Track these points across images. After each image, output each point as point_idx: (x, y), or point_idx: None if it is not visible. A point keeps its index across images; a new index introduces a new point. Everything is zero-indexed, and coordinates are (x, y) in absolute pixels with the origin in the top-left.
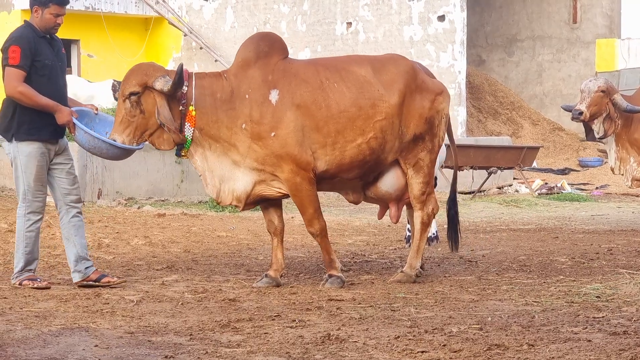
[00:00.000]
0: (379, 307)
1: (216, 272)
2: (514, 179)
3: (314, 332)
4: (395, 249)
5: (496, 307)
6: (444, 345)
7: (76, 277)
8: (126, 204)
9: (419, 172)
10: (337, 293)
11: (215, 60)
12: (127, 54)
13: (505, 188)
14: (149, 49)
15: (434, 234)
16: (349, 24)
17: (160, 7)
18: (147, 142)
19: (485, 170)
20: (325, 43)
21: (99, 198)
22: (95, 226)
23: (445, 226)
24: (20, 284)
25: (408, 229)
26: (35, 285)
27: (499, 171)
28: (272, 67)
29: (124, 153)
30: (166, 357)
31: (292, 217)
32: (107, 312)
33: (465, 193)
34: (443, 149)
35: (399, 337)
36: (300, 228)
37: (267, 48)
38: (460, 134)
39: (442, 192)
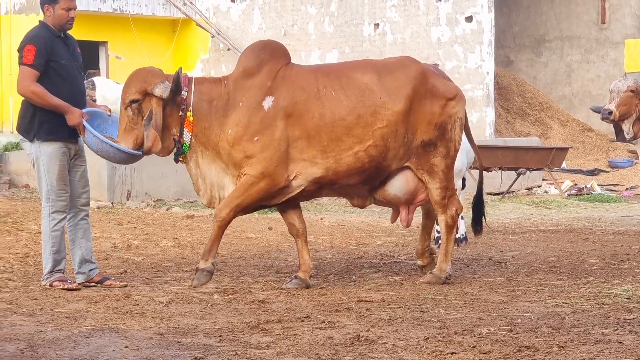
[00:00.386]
0: (409, 309)
1: (245, 274)
2: (543, 179)
3: (343, 333)
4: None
5: (526, 308)
6: (474, 347)
7: (80, 278)
8: (155, 205)
9: (435, 177)
10: (366, 294)
11: None
12: (155, 55)
13: (534, 189)
14: (177, 51)
15: (462, 235)
16: (377, 25)
17: (188, 8)
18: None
19: (514, 171)
20: (353, 44)
21: (128, 199)
22: (125, 227)
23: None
24: (50, 285)
25: (437, 230)
26: (65, 287)
27: (527, 172)
28: (273, 74)
29: (131, 158)
30: (196, 358)
31: (322, 219)
32: (137, 313)
33: (494, 194)
34: (471, 150)
35: (428, 338)
36: (329, 229)
37: (268, 56)
38: (488, 135)
39: (470, 193)
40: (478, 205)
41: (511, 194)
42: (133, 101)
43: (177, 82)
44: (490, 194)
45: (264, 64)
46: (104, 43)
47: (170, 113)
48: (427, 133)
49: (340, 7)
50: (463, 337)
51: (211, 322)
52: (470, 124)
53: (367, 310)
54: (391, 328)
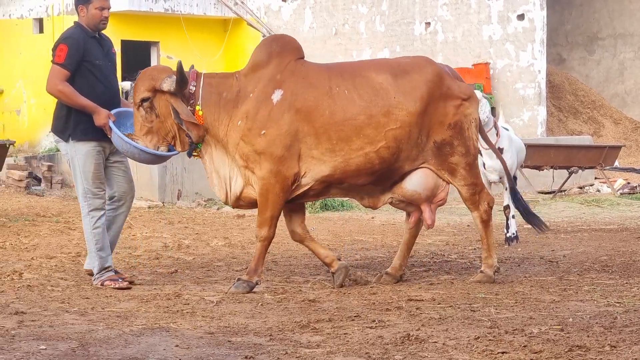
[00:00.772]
0: (459, 308)
1: (296, 273)
2: (596, 178)
3: (393, 332)
4: (474, 248)
5: (577, 307)
6: (525, 346)
7: (87, 265)
8: (205, 204)
9: (457, 176)
10: (416, 293)
11: None
12: (206, 55)
13: (587, 188)
14: (228, 50)
15: (513, 233)
16: (428, 24)
17: (239, 8)
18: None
19: (566, 170)
20: (404, 43)
21: (178, 199)
22: (175, 227)
23: (526, 226)
24: (102, 285)
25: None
26: (117, 286)
27: (580, 171)
28: (282, 67)
29: (155, 159)
30: (246, 357)
31: (373, 218)
32: (187, 312)
33: (546, 193)
34: (523, 148)
35: (479, 337)
36: (380, 228)
37: (280, 48)
38: (540, 134)
39: (521, 192)
40: (526, 213)
41: (563, 193)
42: (143, 100)
43: (181, 72)
44: (542, 193)
45: (274, 57)
46: (156, 43)
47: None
48: (440, 134)
49: (392, 6)
50: (514, 337)
51: (261, 321)
52: (521, 122)
53: (417, 309)
54: (441, 327)
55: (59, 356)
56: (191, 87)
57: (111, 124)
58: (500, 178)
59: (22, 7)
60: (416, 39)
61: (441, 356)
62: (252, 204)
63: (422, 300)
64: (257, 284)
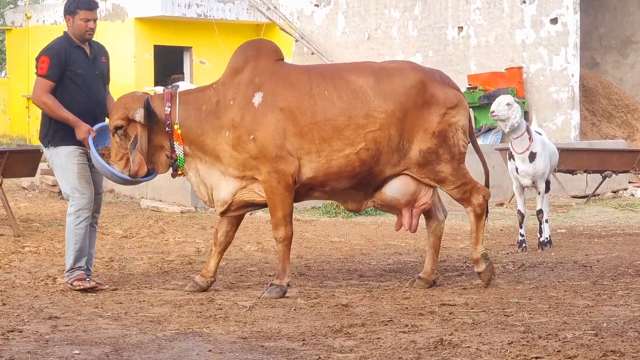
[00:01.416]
0: (492, 312)
1: (329, 278)
2: (629, 182)
3: (426, 337)
4: (507, 253)
5: (612, 312)
6: (559, 351)
7: (66, 277)
8: None
9: (446, 181)
10: (449, 298)
11: None
12: None
13: (620, 192)
14: None
15: (547, 238)
16: (460, 28)
17: (272, 13)
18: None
19: (599, 174)
20: (437, 48)
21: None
22: (208, 232)
23: (560, 230)
24: (71, 285)
25: (521, 233)
26: (83, 286)
27: (613, 175)
28: (259, 69)
29: (127, 181)
30: None
31: None
32: (220, 317)
33: (580, 197)
34: (556, 152)
35: (512, 342)
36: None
37: (255, 52)
38: (573, 138)
39: (554, 196)
40: None
41: (597, 197)
42: (117, 127)
43: (147, 107)
44: (576, 197)
45: (250, 61)
46: (189, 48)
47: (158, 132)
48: (424, 142)
49: (424, 10)
50: (547, 342)
51: (294, 326)
52: (555, 126)
53: (450, 314)
54: (475, 332)
55: None
56: (166, 109)
57: (90, 141)
58: (533, 183)
59: (56, 13)
60: (449, 43)
61: None
62: (242, 208)
63: (455, 304)
64: (288, 285)
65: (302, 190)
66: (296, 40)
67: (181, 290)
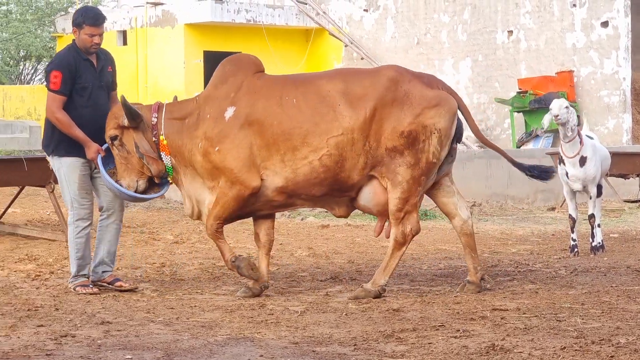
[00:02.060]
0: (544, 317)
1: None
2: None
3: (478, 342)
4: (559, 258)
5: None
6: (612, 357)
7: (92, 277)
8: (290, 215)
9: (396, 187)
10: (501, 303)
11: None
12: (288, 65)
13: None
14: (310, 60)
15: (599, 243)
16: (510, 32)
17: (321, 18)
18: (160, 192)
19: None
20: (486, 52)
21: None
22: None
23: (612, 235)
24: (74, 289)
25: (573, 238)
26: (84, 291)
27: None
28: (237, 85)
29: (136, 200)
30: None
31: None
32: (271, 322)
33: (632, 201)
34: (607, 156)
35: (565, 348)
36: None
37: (234, 67)
38: (625, 142)
39: (607, 200)
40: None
41: None
42: (112, 138)
43: (127, 106)
44: (628, 202)
45: (229, 77)
46: (237, 54)
47: (148, 139)
48: (392, 140)
49: (474, 14)
50: (601, 347)
51: (346, 331)
52: (606, 130)
53: (502, 319)
54: (527, 337)
55: None
56: (153, 119)
57: (99, 161)
58: (584, 187)
59: (106, 19)
60: (498, 47)
61: None
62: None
63: (507, 309)
64: (238, 265)
65: (280, 198)
66: (345, 45)
67: (232, 296)
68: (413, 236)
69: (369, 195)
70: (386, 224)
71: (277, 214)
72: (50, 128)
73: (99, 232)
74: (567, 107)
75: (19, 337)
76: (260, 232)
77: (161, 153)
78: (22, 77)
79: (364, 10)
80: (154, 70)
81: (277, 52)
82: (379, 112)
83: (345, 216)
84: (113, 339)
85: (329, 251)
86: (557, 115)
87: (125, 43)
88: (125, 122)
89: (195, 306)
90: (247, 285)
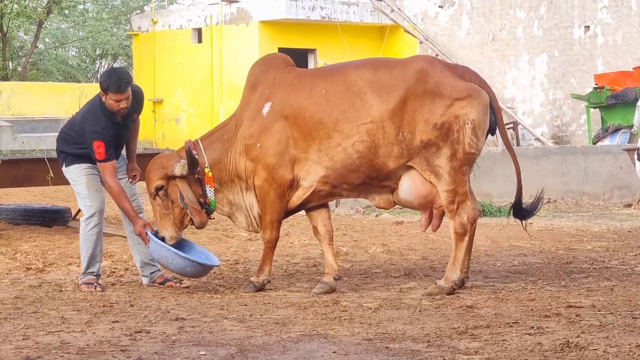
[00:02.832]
0: (620, 315)
1: None
2: None
3: (552, 339)
4: (636, 255)
5: None
6: None
7: (144, 281)
8: (364, 212)
9: (440, 179)
10: (576, 300)
11: None
12: None
13: None
14: (385, 56)
15: None
16: (587, 27)
17: (396, 15)
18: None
19: None
20: (563, 47)
21: (336, 206)
22: (334, 234)
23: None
24: (79, 286)
25: None
26: (88, 290)
27: None
28: (270, 81)
29: (193, 267)
30: None
31: (530, 224)
32: (345, 319)
33: None
34: None
35: None
36: (538, 234)
37: (265, 67)
38: None
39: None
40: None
41: None
42: (158, 189)
43: (191, 156)
44: None
45: (260, 76)
46: (313, 50)
47: (190, 183)
48: (425, 133)
49: (550, 9)
50: None
51: (419, 327)
52: None
53: (576, 316)
54: (602, 334)
55: None
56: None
57: (149, 234)
58: None
59: (182, 17)
60: (575, 42)
61: None
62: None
63: (582, 307)
64: (264, 283)
65: (325, 188)
66: (420, 42)
67: (306, 292)
68: (472, 224)
69: (408, 186)
70: (423, 218)
71: (352, 211)
72: (62, 141)
73: (129, 237)
74: None
75: (94, 333)
76: (318, 224)
77: (206, 187)
78: (98, 75)
79: (439, 6)
80: (228, 67)
81: (352, 49)
82: (410, 103)
83: (386, 208)
84: (187, 335)
85: (403, 248)
86: None
87: (200, 41)
88: (176, 171)
89: (269, 303)
90: (322, 280)
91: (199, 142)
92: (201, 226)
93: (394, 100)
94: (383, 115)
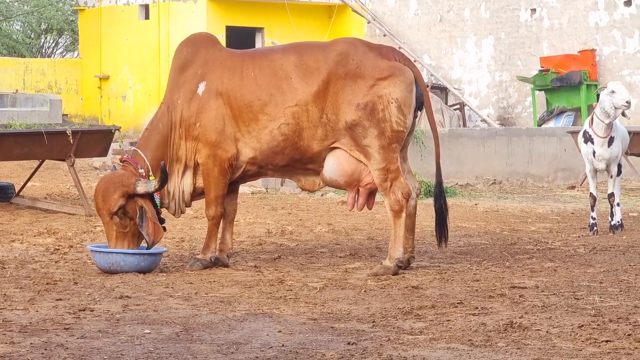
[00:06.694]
0: (563, 295)
1: None
2: None
3: (496, 319)
4: (579, 236)
5: None
6: (629, 335)
7: None
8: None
9: (370, 159)
10: (519, 281)
11: (399, 47)
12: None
13: None
14: (332, 36)
15: (618, 221)
16: (533, 10)
17: None
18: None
19: None
20: (509, 30)
21: (282, 185)
22: (279, 213)
23: (631, 214)
24: None
25: (592, 216)
26: None
27: None
28: (202, 61)
29: (143, 259)
30: (349, 343)
31: (476, 204)
32: (290, 298)
33: None
34: (626, 136)
35: (582, 325)
36: (483, 215)
37: (194, 47)
38: None
39: (626, 179)
40: (439, 215)
41: None
42: (120, 207)
43: (164, 172)
44: None
45: (190, 56)
46: (261, 29)
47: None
48: (349, 114)
49: None
50: (618, 325)
51: (364, 307)
52: (628, 111)
53: (520, 296)
54: (545, 315)
55: (163, 340)
56: (140, 171)
57: (88, 247)
58: (607, 166)
59: None
60: (521, 25)
61: (544, 344)
62: (202, 193)
63: (526, 287)
64: (211, 260)
65: (252, 169)
66: (368, 22)
67: (251, 271)
68: (407, 200)
69: (333, 165)
70: (349, 197)
71: (297, 190)
72: None
73: None
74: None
75: (37, 311)
76: (225, 201)
77: (156, 197)
78: (44, 51)
79: None
80: (175, 45)
81: (300, 28)
82: (332, 86)
83: (311, 190)
84: (131, 313)
85: (348, 227)
86: (629, 102)
87: (147, 17)
88: (141, 189)
89: (214, 281)
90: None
91: (139, 151)
92: (155, 242)
93: (317, 84)
94: (307, 99)
